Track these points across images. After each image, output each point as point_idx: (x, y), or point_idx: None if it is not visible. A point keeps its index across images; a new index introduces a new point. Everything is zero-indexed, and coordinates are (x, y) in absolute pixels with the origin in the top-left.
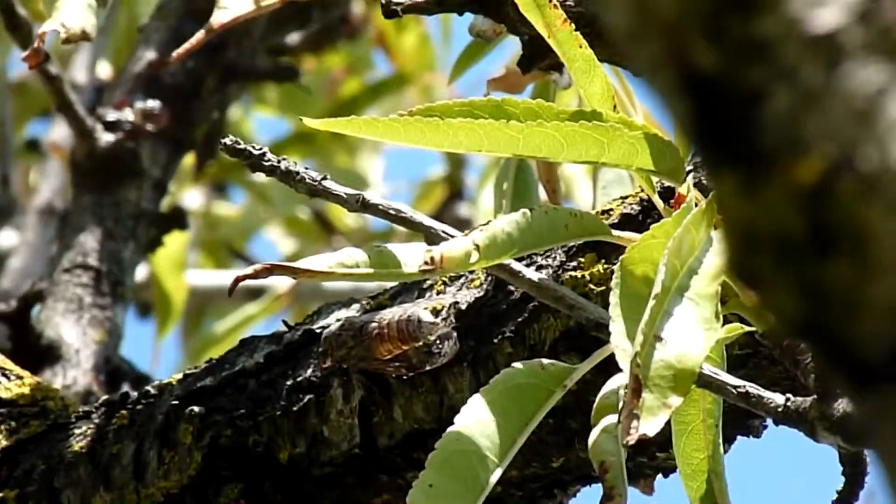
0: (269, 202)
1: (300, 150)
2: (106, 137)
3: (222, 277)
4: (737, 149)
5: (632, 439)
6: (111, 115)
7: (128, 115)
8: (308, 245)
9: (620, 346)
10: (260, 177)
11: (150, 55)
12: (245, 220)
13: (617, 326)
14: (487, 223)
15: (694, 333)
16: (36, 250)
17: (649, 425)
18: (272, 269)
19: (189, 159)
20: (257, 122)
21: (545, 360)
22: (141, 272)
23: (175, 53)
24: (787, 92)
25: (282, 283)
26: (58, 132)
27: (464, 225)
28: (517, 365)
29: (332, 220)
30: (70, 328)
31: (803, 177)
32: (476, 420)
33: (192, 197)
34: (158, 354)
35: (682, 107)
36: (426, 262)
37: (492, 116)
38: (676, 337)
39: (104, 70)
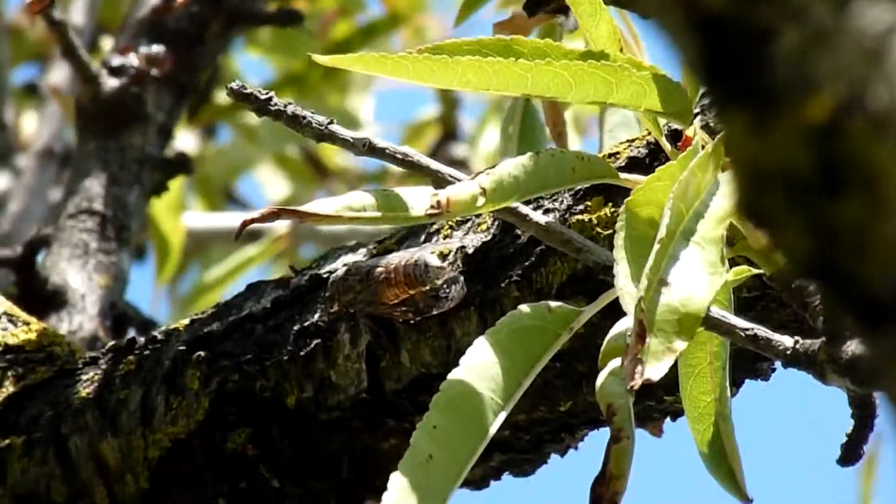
0: (258, 141)
1: (292, 91)
2: (110, 82)
3: (214, 220)
4: (746, 87)
5: (636, 384)
6: (116, 60)
7: (132, 60)
8: (301, 186)
9: (625, 289)
10: (249, 117)
11: (154, 1)
12: (234, 158)
13: (622, 269)
14: (494, 166)
15: (699, 277)
16: (35, 194)
17: (654, 370)
18: (279, 213)
19: None
20: (244, 63)
21: (552, 303)
22: None
23: None
24: (797, 30)
25: (280, 226)
26: (56, 75)
27: (458, 166)
28: (524, 307)
29: (323, 160)
30: (76, 273)
31: (813, 116)
32: (481, 362)
33: (184, 139)
34: (158, 298)
35: (691, 46)
36: (433, 206)
37: (500, 55)
38: (681, 281)
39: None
